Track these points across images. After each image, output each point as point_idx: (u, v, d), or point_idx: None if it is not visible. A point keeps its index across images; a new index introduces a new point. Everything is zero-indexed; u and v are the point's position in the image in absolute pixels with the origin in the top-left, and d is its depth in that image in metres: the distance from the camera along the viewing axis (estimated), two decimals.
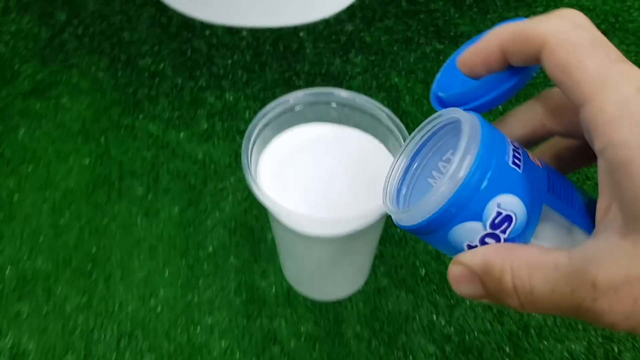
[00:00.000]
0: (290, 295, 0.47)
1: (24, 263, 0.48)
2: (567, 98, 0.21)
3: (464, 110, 0.24)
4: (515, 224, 0.22)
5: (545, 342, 0.44)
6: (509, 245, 0.22)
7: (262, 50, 0.64)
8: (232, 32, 0.65)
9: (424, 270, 0.48)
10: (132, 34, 0.65)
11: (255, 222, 0.51)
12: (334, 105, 0.39)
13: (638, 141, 0.19)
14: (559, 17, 0.22)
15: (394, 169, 0.28)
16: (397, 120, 0.36)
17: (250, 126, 0.37)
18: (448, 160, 0.26)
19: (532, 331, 0.45)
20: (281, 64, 0.62)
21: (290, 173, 0.37)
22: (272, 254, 0.49)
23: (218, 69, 0.62)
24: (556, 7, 0.67)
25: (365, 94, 0.59)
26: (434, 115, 0.26)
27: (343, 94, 0.39)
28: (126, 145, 0.56)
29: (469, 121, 0.23)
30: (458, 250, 0.23)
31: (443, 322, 0.45)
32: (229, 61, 0.62)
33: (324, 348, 0.44)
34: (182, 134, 0.57)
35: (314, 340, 0.44)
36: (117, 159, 0.55)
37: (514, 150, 0.23)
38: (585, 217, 0.24)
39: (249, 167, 0.34)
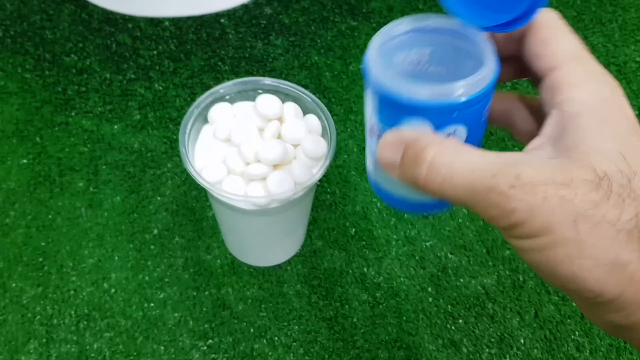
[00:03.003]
0: (234, 265, 0.51)
1: None
2: (537, 67, 0.25)
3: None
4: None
5: (462, 280, 0.51)
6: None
7: (186, 39, 0.66)
8: (155, 23, 0.67)
9: (353, 230, 0.53)
10: (55, 32, 0.67)
11: (195, 202, 0.54)
12: (260, 92, 0.43)
13: (590, 103, 0.23)
14: (548, 10, 0.26)
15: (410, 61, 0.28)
16: (319, 101, 0.41)
17: (184, 117, 0.40)
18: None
19: (450, 272, 0.51)
20: (206, 51, 0.65)
21: (224, 155, 0.41)
22: (214, 230, 0.53)
23: (145, 60, 0.64)
24: None
25: (288, 73, 0.64)
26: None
27: (267, 81, 0.43)
28: (62, 142, 0.58)
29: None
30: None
31: (373, 273, 0.51)
32: (155, 52, 0.65)
33: (269, 307, 0.49)
34: (116, 127, 0.59)
35: (260, 302, 0.49)
36: (55, 156, 0.57)
37: None
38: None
39: (187, 155, 0.38)
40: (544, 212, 0.21)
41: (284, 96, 0.43)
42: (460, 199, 0.23)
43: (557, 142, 0.23)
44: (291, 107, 0.42)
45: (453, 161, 0.23)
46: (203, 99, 0.42)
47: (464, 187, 0.22)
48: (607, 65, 0.66)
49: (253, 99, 0.43)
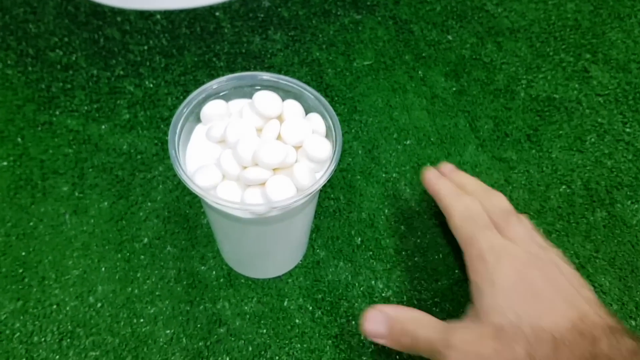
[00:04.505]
0: (231, 277, 0.47)
1: None
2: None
3: None
4: None
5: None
6: (412, 309, 0.36)
7: (178, 33, 0.62)
8: (145, 16, 0.63)
9: (359, 239, 0.49)
10: (39, 25, 0.62)
11: (188, 208, 0.50)
12: (258, 88, 0.40)
13: (484, 272, 0.34)
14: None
15: None
16: (323, 99, 0.37)
17: (175, 116, 0.36)
18: None
19: (466, 285, 0.47)
20: (200, 46, 0.61)
21: (219, 158, 0.37)
22: (209, 238, 0.49)
23: (134, 56, 0.60)
24: None
25: (288, 70, 0.60)
26: None
27: (265, 76, 0.39)
28: (45, 143, 0.54)
29: None
30: None
31: (381, 286, 0.47)
32: (145, 47, 0.61)
33: (269, 324, 0.45)
34: (103, 127, 0.55)
35: (259, 317, 0.45)
36: (38, 159, 0.53)
37: None
38: None
39: (177, 158, 0.34)
40: None
41: (284, 93, 0.39)
42: (418, 353, 0.35)
43: (474, 303, 0.34)
44: (292, 105, 0.39)
45: (418, 332, 0.34)
46: (195, 95, 0.38)
47: (422, 349, 0.34)
48: (627, 62, 0.62)
49: (250, 96, 0.39)
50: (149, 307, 0.45)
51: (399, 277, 0.47)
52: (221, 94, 0.39)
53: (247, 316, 0.45)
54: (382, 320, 0.35)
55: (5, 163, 0.52)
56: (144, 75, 0.59)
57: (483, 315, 0.32)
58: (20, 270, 0.47)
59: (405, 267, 0.48)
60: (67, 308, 0.45)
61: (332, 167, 0.36)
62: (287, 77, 0.39)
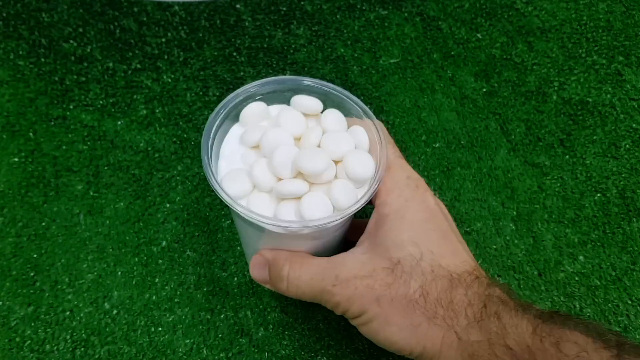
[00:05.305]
0: (254, 284, 0.45)
1: None
2: None
3: None
4: None
5: None
6: (295, 252, 0.34)
7: (197, 25, 0.60)
8: (163, 7, 0.61)
9: None
10: (52, 15, 0.60)
11: (209, 211, 0.48)
12: (297, 93, 0.37)
13: (396, 205, 0.32)
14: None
15: None
16: (370, 112, 0.35)
17: (209, 119, 0.34)
18: None
19: None
20: (220, 39, 0.59)
21: (252, 166, 0.34)
22: (230, 243, 0.47)
23: (152, 48, 0.58)
24: None
25: (312, 67, 0.57)
26: None
27: (307, 81, 0.36)
28: (59, 138, 0.51)
29: None
30: None
31: None
32: (163, 40, 0.58)
33: (294, 335, 0.43)
34: (119, 123, 0.53)
35: (283, 328, 0.43)
36: (50, 155, 0.50)
37: None
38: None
39: (209, 165, 0.32)
40: (357, 299, 0.30)
41: (326, 100, 0.36)
42: (311, 299, 0.32)
43: (372, 237, 0.32)
44: (333, 115, 0.35)
45: (300, 274, 0.32)
46: (232, 98, 0.35)
47: (309, 292, 0.32)
48: None
49: (288, 101, 0.37)
50: (168, 315, 0.43)
51: None
52: (258, 97, 0.37)
53: (271, 326, 0.43)
54: (263, 265, 0.34)
55: (16, 159, 0.50)
56: (161, 69, 0.56)
57: (380, 248, 0.31)
58: (32, 274, 0.45)
59: None
60: (81, 314, 0.43)
61: (374, 187, 0.32)
62: (331, 84, 0.36)
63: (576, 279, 0.46)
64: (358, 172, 0.33)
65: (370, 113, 0.35)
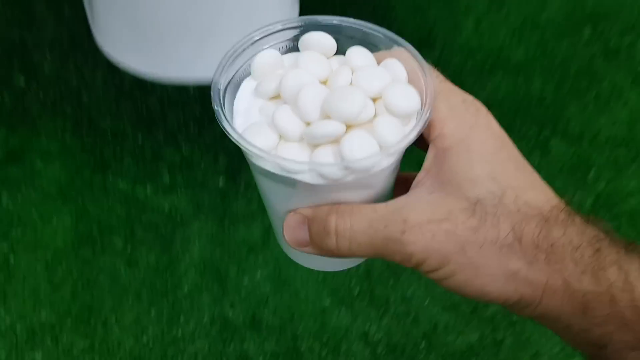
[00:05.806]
0: (254, 320, 0.59)
1: (30, 317, 0.58)
2: None
3: None
4: None
5: (450, 337, 0.59)
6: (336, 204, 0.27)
7: (209, 104, 0.73)
8: (181, 88, 0.75)
9: (357, 289, 0.61)
10: (90, 94, 0.74)
11: (220, 262, 0.62)
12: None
13: (458, 135, 0.26)
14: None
15: None
16: (399, 38, 0.29)
17: (216, 69, 0.28)
18: None
19: (440, 329, 0.59)
20: None
21: (273, 116, 0.27)
22: (237, 286, 0.61)
23: (172, 124, 0.72)
24: None
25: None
26: None
27: (321, 19, 0.30)
28: (101, 203, 0.66)
29: None
30: None
31: (374, 329, 0.59)
32: (181, 116, 0.72)
33: None
34: (148, 188, 0.67)
35: (277, 355, 0.57)
36: (96, 217, 0.65)
37: None
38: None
39: (222, 113, 0.27)
40: (436, 248, 0.24)
41: (347, 39, 0.30)
42: (369, 254, 0.26)
43: (435, 175, 0.26)
44: (359, 53, 0.30)
45: (352, 223, 0.25)
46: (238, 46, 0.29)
47: (367, 243, 0.25)
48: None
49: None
50: (190, 346, 0.58)
51: (388, 323, 0.59)
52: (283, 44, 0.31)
53: (269, 354, 0.57)
54: (301, 223, 0.27)
55: (69, 221, 0.64)
56: (180, 142, 0.70)
57: (451, 187, 0.25)
58: (87, 314, 0.59)
59: (395, 313, 0.60)
60: (126, 346, 0.57)
61: (426, 116, 0.27)
62: (350, 19, 0.30)
63: None
64: (402, 106, 0.27)
65: (401, 39, 0.30)
